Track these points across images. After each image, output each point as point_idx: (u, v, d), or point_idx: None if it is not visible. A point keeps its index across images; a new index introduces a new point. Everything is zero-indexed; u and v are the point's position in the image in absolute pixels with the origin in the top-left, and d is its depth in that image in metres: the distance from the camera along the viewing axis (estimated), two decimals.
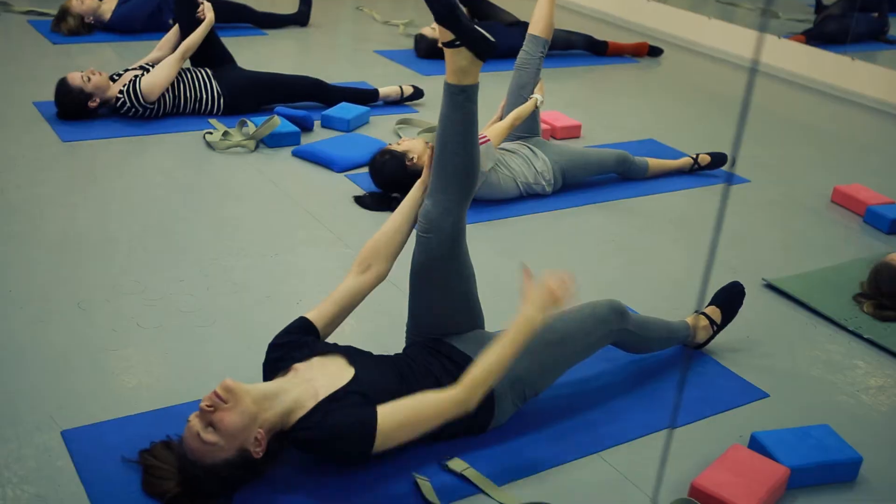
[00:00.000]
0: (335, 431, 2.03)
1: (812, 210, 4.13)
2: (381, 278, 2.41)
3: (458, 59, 2.19)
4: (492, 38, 2.18)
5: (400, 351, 2.44)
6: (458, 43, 2.16)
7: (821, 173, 4.59)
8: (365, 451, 2.04)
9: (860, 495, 2.32)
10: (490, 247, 3.44)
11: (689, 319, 2.81)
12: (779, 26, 6.91)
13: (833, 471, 2.33)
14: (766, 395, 2.69)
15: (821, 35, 6.56)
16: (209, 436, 1.96)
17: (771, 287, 3.34)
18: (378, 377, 2.19)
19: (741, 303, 2.89)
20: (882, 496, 2.33)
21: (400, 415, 2.06)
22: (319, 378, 2.14)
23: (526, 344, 2.14)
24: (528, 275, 2.19)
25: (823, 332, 3.09)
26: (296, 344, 2.27)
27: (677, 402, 2.66)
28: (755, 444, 2.37)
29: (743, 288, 2.90)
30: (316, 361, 2.20)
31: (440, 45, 2.22)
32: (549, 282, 2.16)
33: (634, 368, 2.75)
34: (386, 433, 2.03)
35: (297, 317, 2.36)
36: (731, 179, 4.49)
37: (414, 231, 2.41)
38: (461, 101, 2.22)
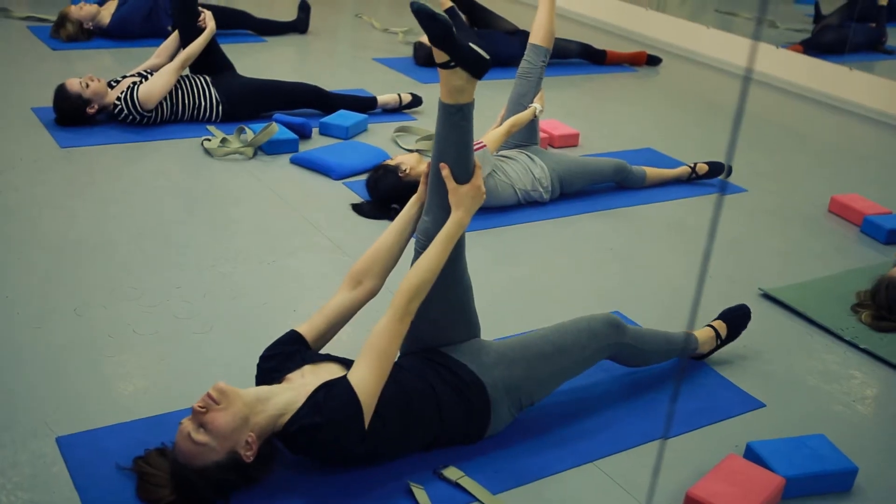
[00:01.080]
0: (324, 414, 2.04)
1: (809, 219, 4.13)
2: (372, 294, 2.42)
3: (453, 79, 2.19)
4: (487, 56, 2.18)
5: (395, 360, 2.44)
6: (452, 64, 2.17)
7: (818, 183, 4.60)
8: (357, 423, 2.05)
9: None
10: (487, 254, 3.44)
11: (698, 333, 2.82)
12: (777, 36, 6.93)
13: (828, 481, 2.33)
14: (762, 405, 2.69)
15: (818, 45, 6.57)
16: (200, 436, 1.97)
17: (768, 296, 3.34)
18: None
19: (745, 326, 2.90)
20: None
21: (364, 364, 2.10)
22: (312, 383, 2.14)
23: (453, 244, 2.23)
24: (449, 177, 2.23)
25: (820, 342, 3.09)
26: (287, 355, 2.28)
27: (671, 412, 2.66)
28: (751, 454, 2.37)
29: (749, 311, 2.92)
30: (308, 369, 2.21)
31: (436, 65, 2.21)
32: (475, 182, 2.25)
33: (630, 378, 2.75)
34: (365, 389, 2.07)
35: (289, 328, 2.36)
36: (725, 189, 4.49)
37: (411, 244, 2.41)
38: (457, 120, 2.23)
